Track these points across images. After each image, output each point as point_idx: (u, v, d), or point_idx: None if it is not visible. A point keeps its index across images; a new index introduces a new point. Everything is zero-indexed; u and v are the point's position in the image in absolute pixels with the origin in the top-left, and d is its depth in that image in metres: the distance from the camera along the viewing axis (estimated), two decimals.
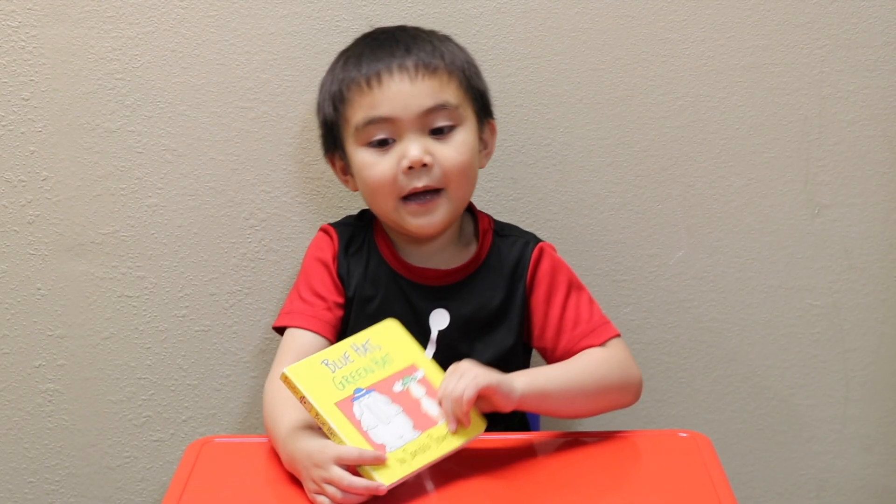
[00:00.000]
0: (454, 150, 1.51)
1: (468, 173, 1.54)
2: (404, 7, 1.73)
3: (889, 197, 1.85)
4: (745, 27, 1.77)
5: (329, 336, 1.56)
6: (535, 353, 1.63)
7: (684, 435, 1.47)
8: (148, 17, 1.72)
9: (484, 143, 1.60)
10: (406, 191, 1.51)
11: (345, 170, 1.60)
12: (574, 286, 1.59)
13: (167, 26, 1.72)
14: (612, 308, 1.86)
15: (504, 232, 1.61)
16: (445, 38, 1.59)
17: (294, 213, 1.80)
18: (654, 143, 1.81)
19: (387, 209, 1.54)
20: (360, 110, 1.51)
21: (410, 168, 1.49)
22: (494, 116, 1.63)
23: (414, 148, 1.49)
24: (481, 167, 1.60)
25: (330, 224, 1.63)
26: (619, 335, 1.58)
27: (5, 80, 1.73)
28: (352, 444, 1.32)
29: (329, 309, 1.57)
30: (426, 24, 1.69)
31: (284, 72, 1.74)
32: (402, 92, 1.49)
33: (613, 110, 1.79)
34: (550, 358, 1.59)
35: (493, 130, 1.62)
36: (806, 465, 1.96)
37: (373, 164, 1.52)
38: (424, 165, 1.49)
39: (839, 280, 1.88)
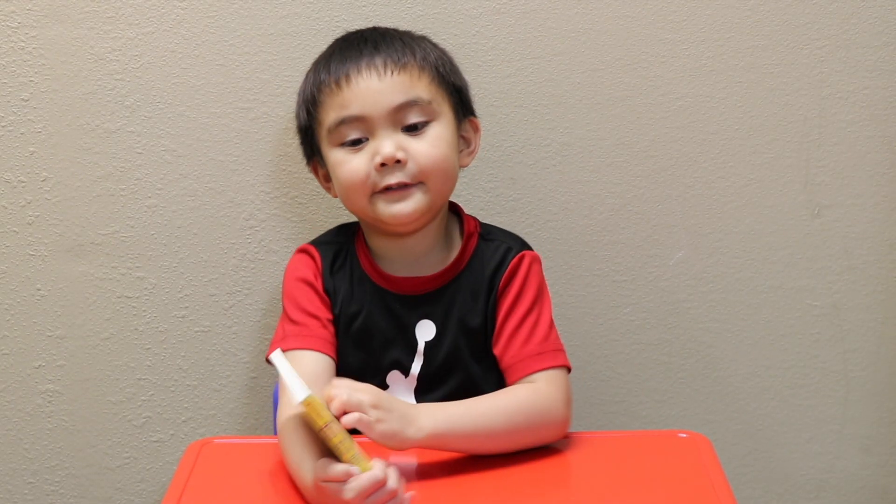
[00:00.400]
0: (428, 144, 1.48)
1: (445, 167, 1.50)
2: (404, 8, 1.73)
3: (889, 197, 1.85)
4: (744, 28, 1.77)
5: (331, 354, 1.51)
6: None
7: (684, 435, 1.47)
8: (148, 18, 1.72)
9: (466, 142, 1.57)
10: (379, 187, 1.48)
11: (327, 176, 1.57)
12: (539, 303, 1.54)
13: (167, 27, 1.72)
14: (611, 309, 1.86)
15: (490, 236, 1.57)
16: (420, 38, 1.57)
17: (294, 214, 1.80)
18: (654, 144, 1.81)
19: (361, 205, 1.50)
20: (332, 111, 1.49)
21: (383, 165, 1.46)
22: (477, 114, 1.60)
23: (386, 145, 1.46)
24: (464, 166, 1.57)
25: (308, 243, 1.60)
26: (565, 366, 1.50)
27: (5, 81, 1.73)
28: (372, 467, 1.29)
29: (324, 326, 1.53)
30: (426, 24, 1.69)
31: (284, 72, 1.74)
32: (370, 89, 1.47)
33: (613, 111, 1.79)
34: (501, 366, 1.53)
35: (475, 128, 1.58)
36: (806, 466, 1.96)
37: (345, 162, 1.49)
38: (398, 162, 1.46)
39: (839, 280, 1.88)
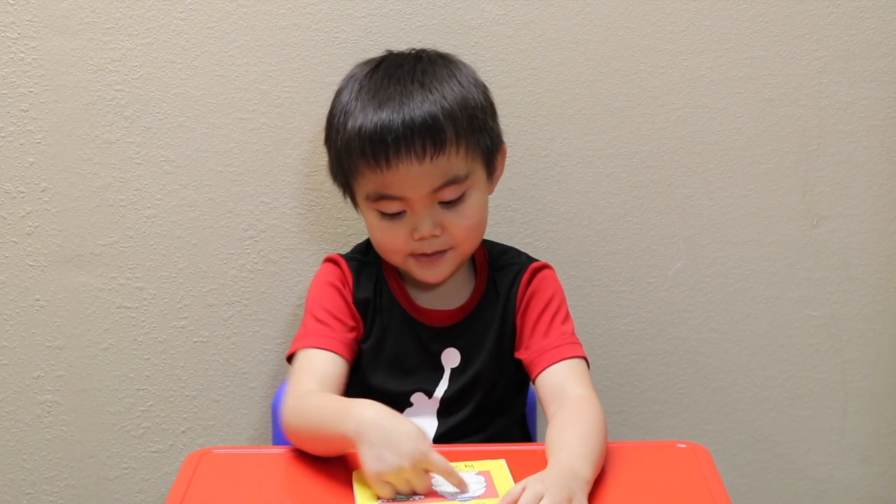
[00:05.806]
0: (464, 217, 1.51)
1: (478, 232, 1.55)
2: (404, 19, 1.73)
3: (887, 208, 1.85)
4: (743, 38, 1.78)
5: (348, 358, 1.54)
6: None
7: (683, 446, 1.47)
8: (147, 29, 1.72)
9: (493, 168, 1.57)
10: (416, 253, 1.52)
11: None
12: (553, 303, 1.56)
13: (166, 37, 1.72)
14: (610, 318, 1.86)
15: (499, 263, 1.60)
16: (453, 81, 1.52)
17: (293, 225, 1.80)
18: (653, 154, 1.81)
19: (396, 262, 1.56)
20: (370, 184, 1.50)
21: (421, 237, 1.51)
22: (505, 142, 1.60)
23: (426, 225, 1.50)
24: (490, 193, 1.58)
25: (338, 255, 1.61)
26: (583, 358, 1.53)
27: (5, 91, 1.73)
28: None
29: (347, 331, 1.55)
30: (425, 35, 1.70)
31: (283, 83, 1.74)
32: (410, 173, 1.47)
33: (612, 121, 1.79)
34: (525, 364, 1.55)
35: (503, 155, 1.60)
36: (804, 476, 1.96)
37: (384, 230, 1.52)
38: (435, 235, 1.51)
39: (837, 291, 1.88)
